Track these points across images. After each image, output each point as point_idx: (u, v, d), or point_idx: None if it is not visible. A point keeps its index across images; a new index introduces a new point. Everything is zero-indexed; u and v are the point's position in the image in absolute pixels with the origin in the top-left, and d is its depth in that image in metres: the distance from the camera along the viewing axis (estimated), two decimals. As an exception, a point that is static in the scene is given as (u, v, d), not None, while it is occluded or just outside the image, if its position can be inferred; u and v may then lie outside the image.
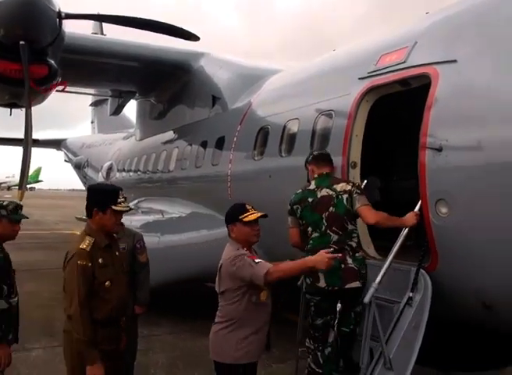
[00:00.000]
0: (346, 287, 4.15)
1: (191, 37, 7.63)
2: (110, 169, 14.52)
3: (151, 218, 9.93)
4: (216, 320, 3.92)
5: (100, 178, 15.50)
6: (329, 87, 6.11)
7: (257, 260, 3.69)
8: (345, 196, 4.32)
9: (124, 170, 13.23)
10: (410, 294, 4.19)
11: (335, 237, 4.26)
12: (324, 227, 4.30)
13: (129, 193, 12.46)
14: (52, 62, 6.54)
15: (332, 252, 3.88)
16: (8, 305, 3.94)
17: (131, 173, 12.62)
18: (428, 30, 5.02)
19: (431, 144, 4.19)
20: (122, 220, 4.32)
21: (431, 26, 5.05)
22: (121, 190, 3.85)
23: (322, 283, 4.18)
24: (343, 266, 4.16)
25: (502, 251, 3.74)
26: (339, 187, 4.38)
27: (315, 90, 6.47)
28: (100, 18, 7.36)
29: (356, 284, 4.18)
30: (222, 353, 3.83)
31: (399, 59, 4.94)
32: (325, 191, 4.39)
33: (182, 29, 7.50)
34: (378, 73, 5.18)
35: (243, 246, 3.87)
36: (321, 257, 3.72)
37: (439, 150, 4.11)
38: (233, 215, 3.95)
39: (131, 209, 3.97)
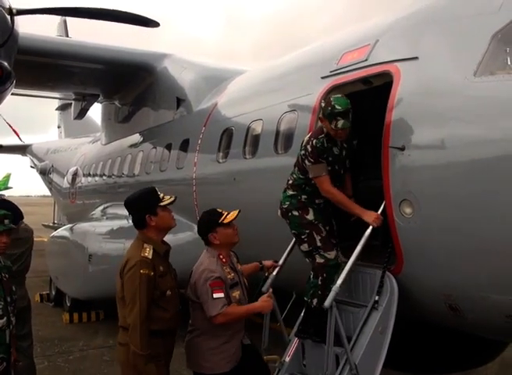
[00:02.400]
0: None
1: (150, 23, 7.31)
2: (75, 174, 14.28)
3: (116, 224, 9.66)
4: (188, 328, 3.91)
5: (65, 184, 15.23)
6: (293, 87, 6.00)
7: (215, 295, 3.65)
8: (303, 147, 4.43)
9: (90, 175, 12.93)
10: (376, 298, 4.10)
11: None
12: None
13: (94, 199, 12.22)
14: (5, 63, 6.25)
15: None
16: None
17: (97, 178, 12.31)
18: (390, 28, 4.94)
19: (393, 144, 4.09)
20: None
21: (393, 24, 4.97)
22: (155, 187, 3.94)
23: None
24: None
25: (467, 252, 3.65)
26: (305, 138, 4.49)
27: (279, 90, 6.36)
28: (53, 11, 6.99)
29: (278, 212, 4.54)
30: (193, 362, 3.84)
31: (360, 57, 4.85)
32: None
33: (140, 16, 7.20)
34: (340, 71, 5.08)
35: (224, 250, 3.91)
36: (266, 302, 3.86)
37: (402, 149, 4.02)
38: (212, 221, 3.96)
39: (176, 198, 3.91)
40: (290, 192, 4.46)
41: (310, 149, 4.28)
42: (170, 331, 3.66)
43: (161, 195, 3.80)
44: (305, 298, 4.44)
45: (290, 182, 4.50)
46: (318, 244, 4.30)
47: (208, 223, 3.98)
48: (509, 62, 3.70)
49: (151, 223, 3.66)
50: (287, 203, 4.44)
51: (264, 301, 3.86)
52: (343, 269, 4.15)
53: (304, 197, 4.41)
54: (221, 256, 3.86)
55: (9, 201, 5.85)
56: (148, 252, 3.50)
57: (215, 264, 3.80)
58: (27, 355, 5.32)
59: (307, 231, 4.34)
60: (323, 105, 4.31)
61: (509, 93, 3.52)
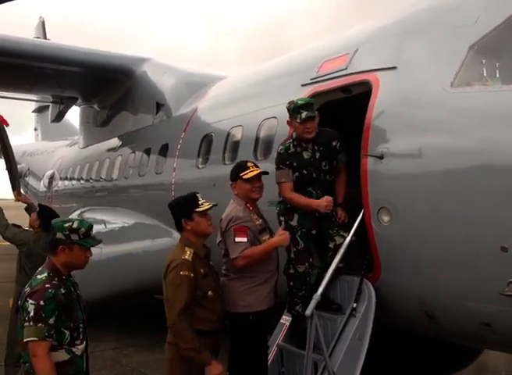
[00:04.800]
0: None
1: None
2: (52, 177, 14.09)
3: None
4: (223, 272, 4.09)
5: (41, 187, 15.01)
6: (273, 94, 6.02)
7: (237, 239, 3.84)
8: None
9: (67, 179, 12.76)
10: (354, 305, 4.14)
11: None
12: None
13: (71, 203, 12.07)
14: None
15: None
16: (69, 356, 3.16)
17: (74, 182, 12.17)
18: (370, 37, 5.00)
19: (372, 152, 4.14)
20: None
21: (373, 33, 5.03)
22: (197, 193, 3.88)
23: None
24: None
25: (443, 260, 3.70)
26: None
27: (259, 96, 6.38)
28: None
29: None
30: (229, 303, 3.96)
31: (340, 66, 4.89)
32: None
33: None
34: (320, 79, 5.11)
35: (246, 202, 4.05)
36: (282, 235, 4.00)
37: (381, 158, 4.07)
38: (234, 173, 4.15)
39: (216, 205, 3.86)
40: (281, 198, 4.53)
41: (276, 155, 4.53)
42: (215, 332, 3.74)
43: (201, 201, 3.79)
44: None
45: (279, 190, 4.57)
46: (292, 255, 4.40)
47: (232, 173, 4.17)
48: (485, 74, 3.78)
49: (187, 227, 3.74)
50: (277, 209, 4.55)
51: (281, 235, 4.00)
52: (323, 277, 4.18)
53: None
54: (248, 205, 4.05)
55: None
56: (188, 255, 3.60)
57: (242, 211, 3.98)
58: None
59: None
60: (287, 105, 4.44)
61: (484, 104, 3.60)
